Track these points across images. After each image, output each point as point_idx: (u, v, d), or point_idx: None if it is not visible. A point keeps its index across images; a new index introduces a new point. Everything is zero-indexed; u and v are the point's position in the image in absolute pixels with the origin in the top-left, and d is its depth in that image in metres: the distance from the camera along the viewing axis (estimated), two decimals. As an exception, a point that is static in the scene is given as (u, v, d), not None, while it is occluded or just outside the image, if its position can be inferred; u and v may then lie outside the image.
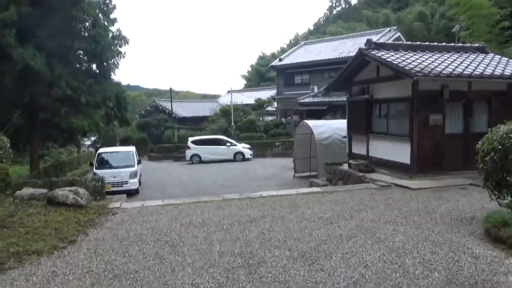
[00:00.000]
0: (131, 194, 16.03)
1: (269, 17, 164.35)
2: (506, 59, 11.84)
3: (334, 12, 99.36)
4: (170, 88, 38.89)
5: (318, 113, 31.96)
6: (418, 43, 12.04)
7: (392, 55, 10.66)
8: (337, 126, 17.25)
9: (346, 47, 38.38)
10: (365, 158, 12.28)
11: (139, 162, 16.80)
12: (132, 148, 17.42)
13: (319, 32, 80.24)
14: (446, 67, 9.91)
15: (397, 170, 10.73)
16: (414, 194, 8.61)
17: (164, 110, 44.42)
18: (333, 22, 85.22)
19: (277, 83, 42.93)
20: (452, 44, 11.94)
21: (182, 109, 46.91)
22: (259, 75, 74.60)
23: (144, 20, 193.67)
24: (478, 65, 10.46)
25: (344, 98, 32.51)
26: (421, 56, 10.81)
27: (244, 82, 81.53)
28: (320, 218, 6.72)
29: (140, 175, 18.91)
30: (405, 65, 9.70)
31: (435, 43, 12.07)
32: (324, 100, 33.80)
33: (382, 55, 10.67)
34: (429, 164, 10.25)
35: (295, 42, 75.52)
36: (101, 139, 37.66)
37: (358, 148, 12.88)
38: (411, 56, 10.70)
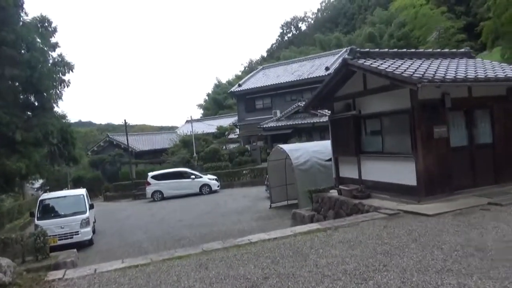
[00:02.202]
0: (84, 246, 13.49)
1: (222, 45, 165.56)
2: (496, 63, 11.01)
3: (286, 38, 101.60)
4: (125, 120, 36.26)
5: (283, 137, 30.78)
6: (404, 50, 10.95)
7: (382, 64, 9.38)
8: (314, 149, 15.83)
9: (306, 68, 37.96)
10: (357, 183, 10.76)
11: (91, 206, 14.29)
12: (82, 191, 14.86)
13: (273, 57, 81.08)
14: (446, 72, 8.73)
15: (399, 194, 9.26)
16: (436, 223, 7.08)
17: (119, 145, 41.40)
18: (285, 47, 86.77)
19: (238, 109, 41.56)
20: (439, 50, 11.01)
21: (138, 143, 44.08)
22: (217, 103, 73.55)
23: (92, 54, 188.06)
24: (475, 70, 9.41)
25: (309, 121, 32.13)
26: (412, 63, 9.62)
27: (201, 111, 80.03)
28: (345, 272, 4.93)
29: (94, 222, 16.33)
30: (401, 73, 8.40)
31: (421, 50, 11.06)
32: (288, 123, 32.78)
33: (371, 63, 9.37)
34: (437, 184, 8.86)
35: (249, 69, 75.43)
36: (48, 181, 34.01)
37: (348, 172, 11.36)
38: (402, 64, 9.48)
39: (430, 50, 11.17)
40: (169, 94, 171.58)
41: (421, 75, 8.09)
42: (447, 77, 8.21)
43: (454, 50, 11.31)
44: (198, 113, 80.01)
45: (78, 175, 38.94)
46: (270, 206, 17.28)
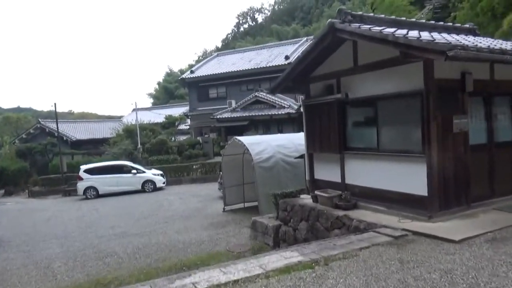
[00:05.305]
0: (-30, 266, 9.99)
1: (176, 33, 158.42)
2: (501, 41, 9.03)
3: (242, 29, 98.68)
4: (55, 104, 31.64)
5: (238, 129, 28.22)
6: (403, 18, 8.67)
7: (382, 31, 6.94)
8: (278, 143, 13.33)
9: (264, 57, 35.45)
10: (338, 188, 8.32)
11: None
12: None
13: (228, 48, 77.85)
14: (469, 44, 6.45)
15: (400, 205, 6.91)
16: (474, 257, 4.75)
17: (53, 133, 36.51)
18: (241, 38, 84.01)
19: (190, 98, 38.26)
20: (442, 23, 8.89)
21: (76, 131, 39.34)
22: (168, 92, 69.64)
23: (44, 39, 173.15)
24: (493, 45, 7.24)
25: (267, 112, 29.52)
26: (418, 33, 7.28)
27: (151, 100, 75.66)
28: None
29: (-4, 229, 12.71)
30: (417, 38, 6.00)
31: (423, 21, 8.83)
32: (244, 115, 30.24)
33: (369, 28, 6.90)
34: (453, 194, 6.62)
35: (203, 59, 71.77)
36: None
37: (326, 173, 8.90)
38: (407, 33, 7.10)
39: (432, 22, 9.01)
40: (119, 83, 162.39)
41: (446, 42, 5.72)
42: (482, 46, 5.90)
43: (458, 25, 9.22)
44: (148, 103, 75.53)
45: (1, 166, 33.69)
46: (224, 209, 14.58)
